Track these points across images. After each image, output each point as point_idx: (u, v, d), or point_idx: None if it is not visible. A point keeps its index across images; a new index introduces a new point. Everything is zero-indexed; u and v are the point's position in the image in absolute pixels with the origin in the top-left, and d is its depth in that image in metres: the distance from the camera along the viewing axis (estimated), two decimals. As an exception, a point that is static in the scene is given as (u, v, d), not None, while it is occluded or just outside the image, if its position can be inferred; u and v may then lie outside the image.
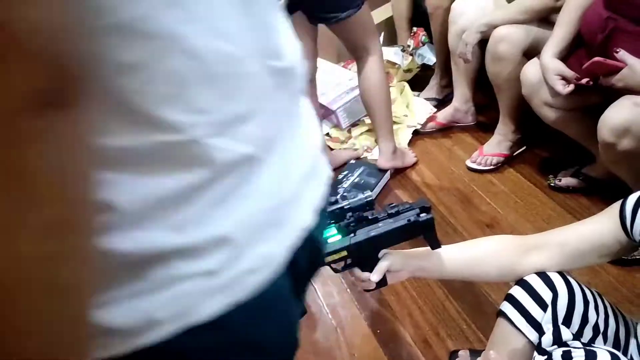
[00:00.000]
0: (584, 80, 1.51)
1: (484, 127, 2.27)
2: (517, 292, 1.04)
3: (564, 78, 1.56)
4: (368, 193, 1.03)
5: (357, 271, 1.05)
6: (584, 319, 1.01)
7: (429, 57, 2.64)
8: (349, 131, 2.43)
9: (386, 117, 2.02)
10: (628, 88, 1.40)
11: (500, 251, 1.09)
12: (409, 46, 2.68)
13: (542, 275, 1.03)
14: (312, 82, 2.01)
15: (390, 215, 1.03)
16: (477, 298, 1.57)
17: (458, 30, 2.06)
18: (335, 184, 2.09)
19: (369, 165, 2.15)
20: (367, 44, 1.90)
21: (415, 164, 2.16)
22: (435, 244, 1.05)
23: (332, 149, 2.32)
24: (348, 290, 1.68)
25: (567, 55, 1.63)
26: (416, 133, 2.32)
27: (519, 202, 1.91)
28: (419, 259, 1.07)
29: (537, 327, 0.99)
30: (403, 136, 2.29)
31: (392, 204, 1.06)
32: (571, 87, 1.55)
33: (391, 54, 2.60)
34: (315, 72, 2.03)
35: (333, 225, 1.02)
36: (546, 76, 1.60)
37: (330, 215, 1.00)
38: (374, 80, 1.96)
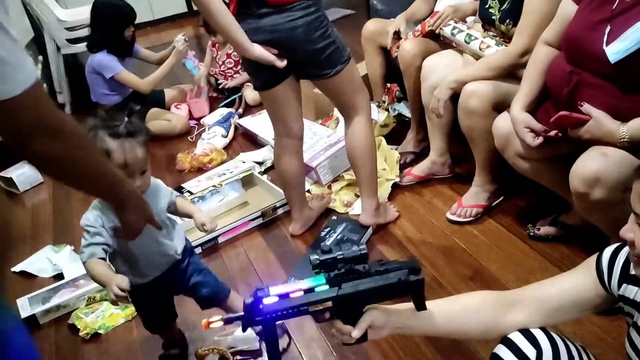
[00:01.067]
0: (552, 133, 1.55)
1: (461, 178, 2.30)
2: (501, 351, 1.03)
3: (533, 130, 1.60)
4: (363, 246, 1.02)
5: (338, 323, 1.03)
6: (569, 376, 1.00)
7: (404, 111, 2.70)
8: (329, 187, 2.45)
9: (371, 175, 2.02)
10: (595, 139, 1.45)
11: (482, 309, 1.08)
12: (384, 102, 2.75)
13: (525, 333, 1.03)
14: (299, 141, 2.04)
15: (378, 272, 1.02)
16: (466, 357, 1.54)
17: (430, 87, 2.12)
18: (318, 241, 2.08)
19: (351, 221, 2.16)
20: (356, 101, 1.91)
21: (397, 218, 2.18)
22: (421, 306, 1.05)
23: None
24: (332, 351, 1.65)
25: (535, 107, 1.68)
26: (395, 186, 2.34)
27: (501, 252, 1.91)
28: (402, 316, 1.06)
29: None
30: (383, 190, 2.30)
31: (381, 260, 1.05)
32: (540, 139, 1.59)
33: (367, 110, 2.66)
34: (302, 131, 2.04)
35: (322, 274, 1.00)
36: (516, 129, 1.64)
37: (321, 264, 0.99)
38: (361, 139, 1.95)
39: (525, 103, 1.66)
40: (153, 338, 1.75)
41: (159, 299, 1.58)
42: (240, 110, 3.29)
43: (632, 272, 0.95)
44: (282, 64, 1.74)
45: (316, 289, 1.00)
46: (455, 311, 1.10)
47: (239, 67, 3.51)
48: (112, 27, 3.02)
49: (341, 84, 1.86)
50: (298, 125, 2.00)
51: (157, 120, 3.17)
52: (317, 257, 0.99)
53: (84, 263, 1.29)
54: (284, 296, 1.00)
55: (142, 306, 1.60)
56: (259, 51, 1.71)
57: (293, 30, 1.68)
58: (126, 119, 1.31)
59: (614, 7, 1.42)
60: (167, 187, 1.52)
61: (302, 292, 1.00)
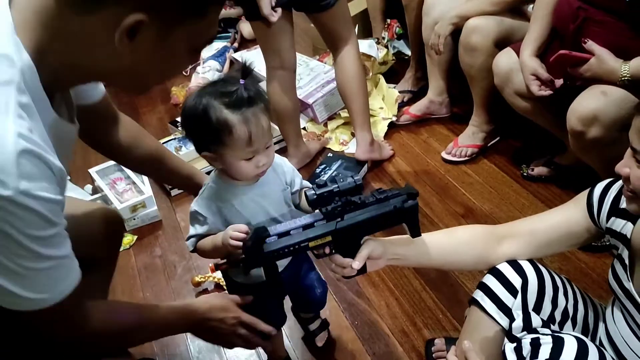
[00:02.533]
0: (558, 84, 1.53)
1: (458, 118, 2.29)
2: (489, 279, 1.06)
3: (539, 78, 1.57)
4: (358, 177, 1.00)
5: (338, 257, 1.03)
6: (554, 304, 1.03)
7: (404, 49, 2.65)
8: (325, 125, 2.43)
9: (363, 107, 2.02)
10: (596, 78, 1.42)
11: (474, 241, 1.10)
12: (383, 38, 2.69)
13: (513, 263, 1.05)
14: (292, 73, 2.01)
15: (378, 201, 1.02)
16: (453, 288, 1.59)
17: (431, 22, 2.07)
18: (313, 177, 2.09)
19: (346, 159, 2.16)
20: (345, 33, 1.92)
21: (391, 156, 2.18)
22: (416, 232, 1.05)
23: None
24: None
25: (545, 50, 1.64)
26: (392, 125, 2.33)
27: (493, 192, 1.93)
28: (399, 246, 1.08)
29: (508, 313, 1.01)
30: (379, 129, 2.29)
31: (380, 188, 1.04)
32: (545, 91, 1.56)
33: (366, 46, 2.60)
34: (295, 63, 2.02)
35: (319, 208, 1.00)
36: (524, 75, 1.61)
37: (318, 198, 0.97)
38: (351, 70, 1.96)
39: (535, 47, 1.62)
40: (152, 266, 1.78)
41: (274, 297, 1.29)
42: (236, 45, 3.22)
43: (622, 205, 0.96)
44: (274, 19, 1.73)
45: (315, 224, 1.00)
46: (449, 243, 1.12)
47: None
48: None
49: (336, 15, 1.85)
50: (291, 56, 1.96)
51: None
52: (313, 192, 0.98)
53: (191, 251, 1.14)
54: (283, 235, 0.99)
55: (255, 308, 1.18)
56: None
57: None
58: (242, 81, 1.04)
59: None
60: (293, 167, 1.22)
61: (301, 230, 1.00)
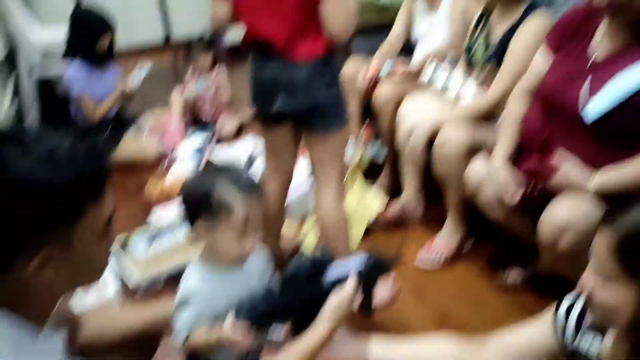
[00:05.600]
0: (529, 190, 1.58)
1: (433, 221, 2.32)
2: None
3: (512, 188, 1.61)
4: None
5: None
6: None
7: (380, 150, 2.72)
8: (300, 224, 2.43)
9: (343, 252, 1.80)
10: (566, 188, 1.48)
11: (444, 356, 1.09)
12: (360, 140, 2.77)
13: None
14: (287, 182, 1.95)
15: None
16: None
17: (406, 130, 2.16)
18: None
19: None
20: (333, 170, 1.77)
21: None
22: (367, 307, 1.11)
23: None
24: None
25: (515, 159, 1.70)
26: (368, 227, 2.34)
27: (470, 296, 1.92)
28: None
29: None
30: (357, 231, 2.29)
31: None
32: (518, 196, 1.60)
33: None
34: (293, 172, 1.96)
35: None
36: (496, 184, 1.66)
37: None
38: (331, 214, 1.80)
39: (506, 157, 1.68)
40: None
41: None
42: (215, 141, 3.27)
43: (588, 323, 0.96)
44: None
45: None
46: (418, 354, 1.10)
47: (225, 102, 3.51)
48: (86, 33, 3.01)
49: (327, 145, 1.73)
50: (289, 166, 1.93)
51: (129, 149, 3.12)
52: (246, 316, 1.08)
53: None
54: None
55: None
56: None
57: (295, 76, 1.60)
58: (245, 169, 1.20)
59: (589, 63, 1.48)
60: (268, 262, 1.32)
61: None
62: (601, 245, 0.87)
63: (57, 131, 0.82)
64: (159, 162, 3.14)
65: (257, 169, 2.35)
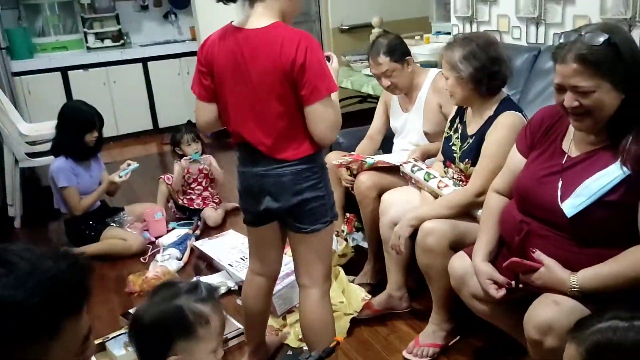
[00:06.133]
0: (514, 284, 1.58)
1: (418, 313, 2.29)
2: None
3: (495, 282, 1.62)
4: None
5: None
6: None
7: (363, 242, 2.73)
8: (284, 318, 2.38)
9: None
10: (546, 286, 1.48)
11: None
12: (343, 231, 2.78)
13: None
14: (272, 282, 1.96)
15: None
16: None
17: (389, 221, 2.18)
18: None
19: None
20: (317, 270, 1.75)
21: (352, 355, 2.10)
22: None
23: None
24: None
25: (496, 255, 1.71)
26: (352, 320, 2.29)
27: (458, 396, 1.86)
28: None
29: None
30: (341, 325, 2.25)
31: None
32: (503, 291, 1.60)
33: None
34: (278, 273, 1.97)
35: None
36: (479, 280, 1.66)
37: None
38: (315, 316, 1.77)
39: (486, 252, 1.69)
40: None
41: None
42: (198, 232, 3.26)
43: None
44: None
45: None
46: None
47: (208, 191, 3.53)
48: (72, 131, 3.05)
49: (312, 245, 1.72)
50: (275, 268, 1.93)
51: (112, 239, 3.09)
52: None
53: None
54: None
55: None
56: None
57: (280, 177, 1.63)
58: (197, 277, 1.24)
59: (563, 161, 1.53)
60: None
61: None
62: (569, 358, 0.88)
63: (39, 248, 0.83)
64: (142, 254, 3.10)
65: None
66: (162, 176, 3.54)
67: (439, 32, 3.52)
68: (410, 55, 2.47)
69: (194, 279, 2.72)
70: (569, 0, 2.49)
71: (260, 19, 1.58)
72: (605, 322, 0.90)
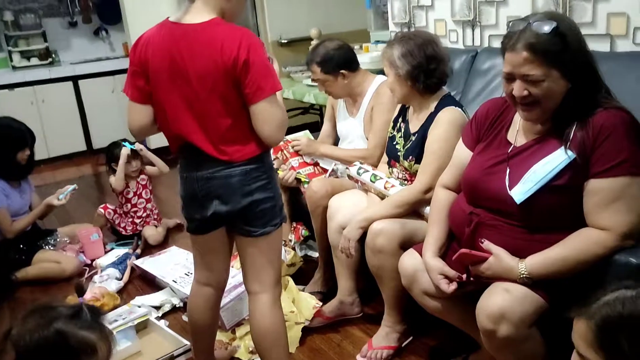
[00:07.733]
0: (465, 277, 1.57)
1: (371, 318, 2.26)
2: None
3: (447, 277, 1.61)
4: None
5: None
6: None
7: (311, 251, 2.69)
8: (233, 331, 2.29)
9: (282, 356, 1.76)
10: (496, 276, 1.48)
11: None
12: (290, 240, 2.72)
13: None
14: (220, 292, 1.87)
15: None
16: None
17: (336, 226, 2.14)
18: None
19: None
20: (266, 275, 1.70)
21: (305, 364, 2.05)
22: None
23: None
24: None
25: (446, 250, 1.71)
26: (304, 329, 2.23)
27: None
28: None
29: None
30: (293, 335, 2.18)
31: None
32: (454, 285, 1.59)
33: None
34: (226, 283, 1.89)
35: None
36: (430, 276, 1.64)
37: None
38: (266, 323, 1.71)
39: (436, 248, 1.68)
40: None
41: None
42: (138, 251, 3.11)
43: None
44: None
45: None
46: None
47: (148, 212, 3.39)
48: (3, 149, 2.87)
49: (262, 249, 1.67)
50: (222, 278, 1.84)
51: (45, 263, 2.89)
52: None
53: None
54: None
55: None
56: None
57: (228, 179, 1.57)
58: (80, 300, 1.07)
59: (509, 150, 1.55)
60: None
61: None
62: (579, 338, 0.86)
63: None
64: (79, 276, 2.93)
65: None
66: (101, 208, 3.35)
67: (377, 41, 3.56)
68: (350, 65, 2.40)
69: (136, 298, 2.60)
70: (502, 2, 2.58)
71: (200, 14, 1.52)
72: (611, 293, 0.88)
